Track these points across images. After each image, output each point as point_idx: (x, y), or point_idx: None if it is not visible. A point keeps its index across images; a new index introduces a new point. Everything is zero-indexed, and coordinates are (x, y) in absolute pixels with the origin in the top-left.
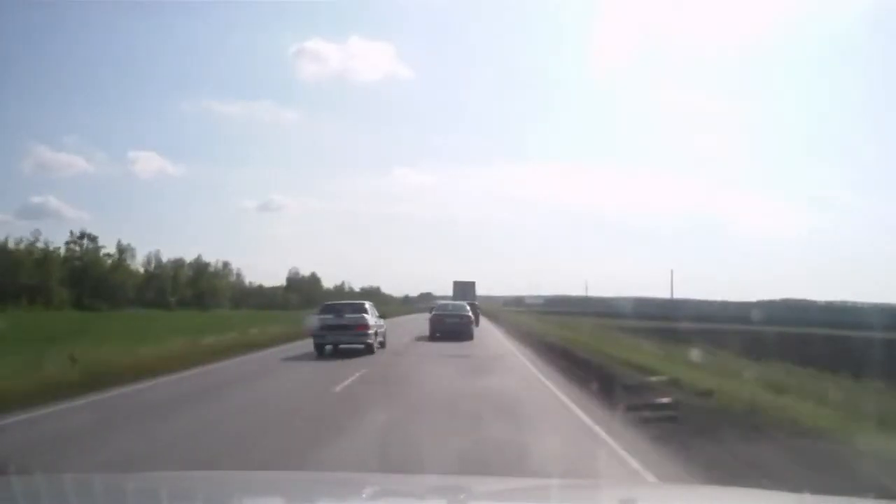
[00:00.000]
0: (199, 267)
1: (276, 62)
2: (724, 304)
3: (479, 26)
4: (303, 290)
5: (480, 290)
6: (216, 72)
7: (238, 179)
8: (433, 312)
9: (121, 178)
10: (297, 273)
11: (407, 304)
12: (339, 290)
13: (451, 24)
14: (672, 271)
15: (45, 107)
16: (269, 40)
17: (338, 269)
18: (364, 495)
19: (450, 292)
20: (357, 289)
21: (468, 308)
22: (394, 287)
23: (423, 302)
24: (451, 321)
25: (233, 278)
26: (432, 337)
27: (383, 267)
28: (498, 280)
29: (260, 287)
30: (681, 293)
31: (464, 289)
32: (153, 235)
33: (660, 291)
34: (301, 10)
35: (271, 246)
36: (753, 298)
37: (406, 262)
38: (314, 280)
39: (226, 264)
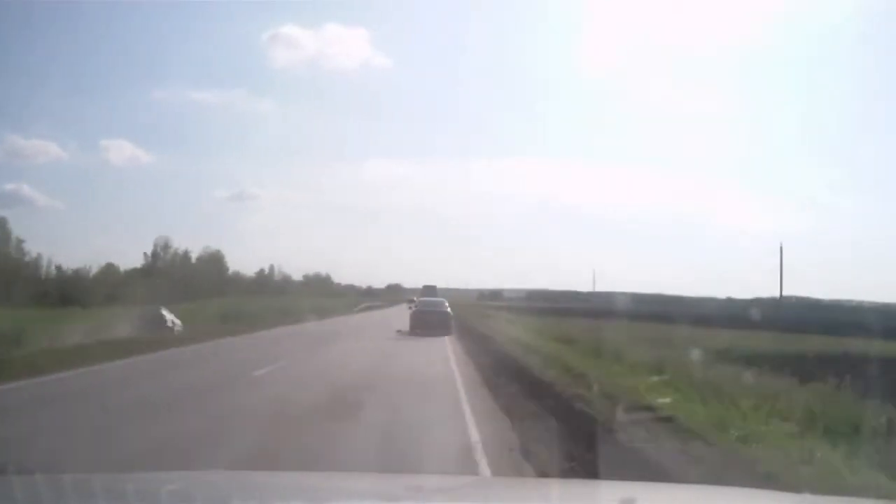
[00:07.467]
0: None
1: (250, 49)
2: (727, 302)
3: (462, 16)
4: (179, 275)
5: (452, 283)
6: (189, 59)
7: (211, 169)
8: (414, 308)
9: (93, 166)
10: (165, 245)
11: (370, 297)
12: (264, 278)
13: (432, 11)
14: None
15: (14, 95)
16: (242, 26)
17: (303, 260)
18: (363, 495)
19: (418, 284)
20: (299, 277)
21: (447, 304)
22: (356, 278)
23: (391, 294)
24: (431, 317)
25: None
26: (412, 331)
27: (348, 256)
28: (473, 273)
29: (111, 268)
30: (674, 290)
31: (430, 291)
32: (125, 225)
33: (653, 288)
34: None
35: (244, 236)
36: (749, 296)
37: (374, 252)
38: (213, 260)
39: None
